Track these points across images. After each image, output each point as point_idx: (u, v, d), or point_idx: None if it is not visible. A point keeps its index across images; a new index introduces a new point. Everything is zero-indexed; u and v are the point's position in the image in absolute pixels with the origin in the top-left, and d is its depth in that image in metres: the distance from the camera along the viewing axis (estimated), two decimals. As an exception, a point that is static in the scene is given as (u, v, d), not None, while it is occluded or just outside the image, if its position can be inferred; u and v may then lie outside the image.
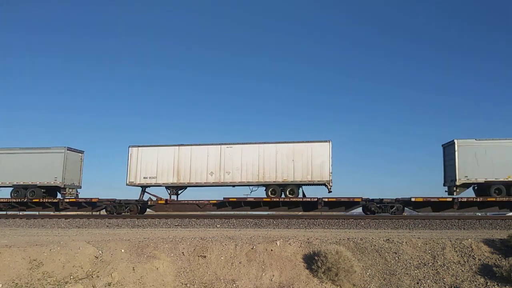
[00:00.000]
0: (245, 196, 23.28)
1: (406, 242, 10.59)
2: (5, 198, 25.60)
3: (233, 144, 23.84)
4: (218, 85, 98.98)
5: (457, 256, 10.10)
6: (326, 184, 22.74)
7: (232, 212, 24.07)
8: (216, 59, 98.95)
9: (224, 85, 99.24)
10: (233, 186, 23.86)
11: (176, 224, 18.82)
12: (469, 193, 22.65)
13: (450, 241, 10.55)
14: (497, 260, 9.83)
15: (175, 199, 24.48)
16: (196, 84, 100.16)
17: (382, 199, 21.82)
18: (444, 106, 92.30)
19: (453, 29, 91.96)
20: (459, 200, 21.30)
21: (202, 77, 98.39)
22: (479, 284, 9.26)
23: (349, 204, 22.70)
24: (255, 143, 23.68)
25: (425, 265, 9.89)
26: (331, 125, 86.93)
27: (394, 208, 21.46)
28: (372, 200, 21.95)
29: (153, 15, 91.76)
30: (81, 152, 27.10)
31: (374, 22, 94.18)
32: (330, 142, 22.95)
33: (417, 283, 9.41)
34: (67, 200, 25.19)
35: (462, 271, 9.66)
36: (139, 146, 24.59)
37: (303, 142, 23.24)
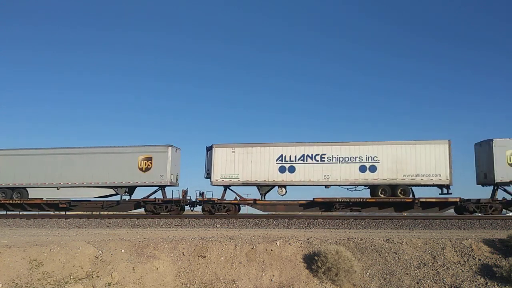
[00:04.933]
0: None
1: (406, 242, 10.59)
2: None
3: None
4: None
5: (457, 256, 10.10)
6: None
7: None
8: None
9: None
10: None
11: (176, 224, 18.83)
12: None
13: (450, 241, 10.55)
14: (497, 260, 9.84)
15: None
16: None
17: None
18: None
19: None
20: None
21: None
22: (479, 284, 9.26)
23: None
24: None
25: (425, 265, 9.89)
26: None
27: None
28: None
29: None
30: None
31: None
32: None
33: (417, 283, 9.41)
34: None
35: (462, 271, 9.66)
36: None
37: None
